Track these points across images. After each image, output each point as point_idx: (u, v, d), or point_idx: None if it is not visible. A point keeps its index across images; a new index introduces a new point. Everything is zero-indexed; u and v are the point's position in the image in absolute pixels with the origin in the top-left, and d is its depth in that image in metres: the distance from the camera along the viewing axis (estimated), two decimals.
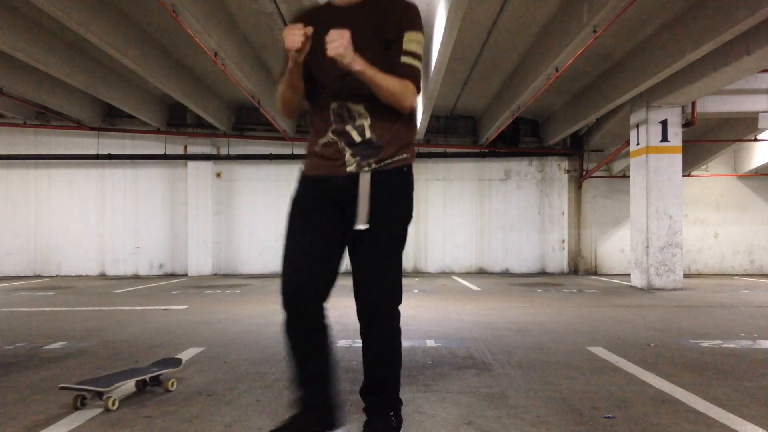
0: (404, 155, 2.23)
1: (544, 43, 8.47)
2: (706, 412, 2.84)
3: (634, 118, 10.05)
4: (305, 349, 2.27)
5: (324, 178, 2.20)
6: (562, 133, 12.54)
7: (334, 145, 2.18)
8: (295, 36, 1.99)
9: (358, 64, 1.96)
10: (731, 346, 4.60)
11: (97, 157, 13.38)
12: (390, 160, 2.18)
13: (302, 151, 13.83)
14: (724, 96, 9.78)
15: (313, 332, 2.27)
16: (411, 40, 2.13)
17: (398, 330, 2.54)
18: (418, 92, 2.20)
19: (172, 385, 3.28)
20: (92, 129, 13.22)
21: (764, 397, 3.13)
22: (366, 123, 2.15)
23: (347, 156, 2.15)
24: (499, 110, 11.55)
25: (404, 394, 3.19)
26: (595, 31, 6.84)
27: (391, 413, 2.40)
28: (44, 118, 13.15)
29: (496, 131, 12.31)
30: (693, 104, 9.58)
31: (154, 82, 9.38)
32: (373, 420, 2.36)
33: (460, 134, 14.09)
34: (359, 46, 1.98)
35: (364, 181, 2.12)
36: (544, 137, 13.80)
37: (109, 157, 13.38)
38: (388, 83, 2.04)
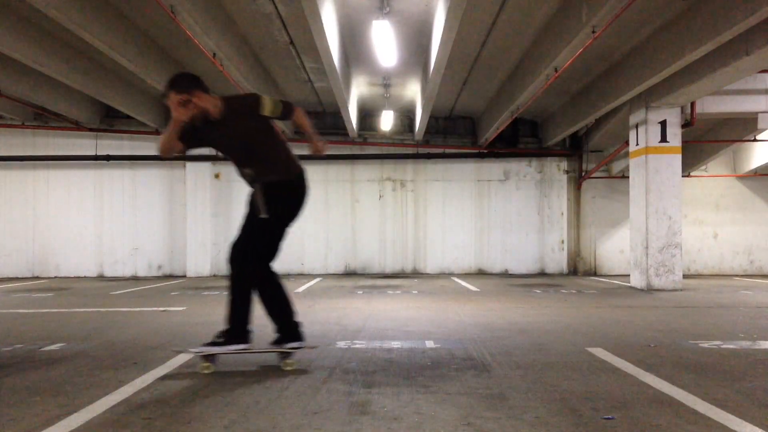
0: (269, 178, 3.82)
1: (543, 44, 8.47)
2: (705, 413, 2.84)
3: (633, 119, 10.05)
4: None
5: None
6: (562, 133, 12.54)
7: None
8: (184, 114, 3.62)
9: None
10: (731, 346, 4.60)
11: (96, 158, 13.37)
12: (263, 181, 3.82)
13: (300, 152, 13.84)
14: (723, 96, 9.77)
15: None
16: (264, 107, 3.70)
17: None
18: (285, 107, 3.80)
19: None
20: (90, 130, 13.20)
21: (764, 398, 3.13)
22: (258, 171, 3.84)
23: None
24: (498, 111, 11.54)
25: (404, 394, 3.18)
26: (594, 32, 6.83)
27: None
28: (42, 119, 13.13)
29: (495, 132, 12.31)
30: (692, 105, 9.57)
31: (152, 82, 9.36)
32: None
33: (459, 135, 14.09)
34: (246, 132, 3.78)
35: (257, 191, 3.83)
36: (544, 138, 13.80)
37: (108, 158, 13.37)
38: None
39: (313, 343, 4.78)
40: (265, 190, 3.80)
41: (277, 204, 3.81)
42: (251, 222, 3.85)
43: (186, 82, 3.68)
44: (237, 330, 3.81)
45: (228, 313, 3.83)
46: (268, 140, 3.84)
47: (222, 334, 3.82)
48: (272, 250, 3.89)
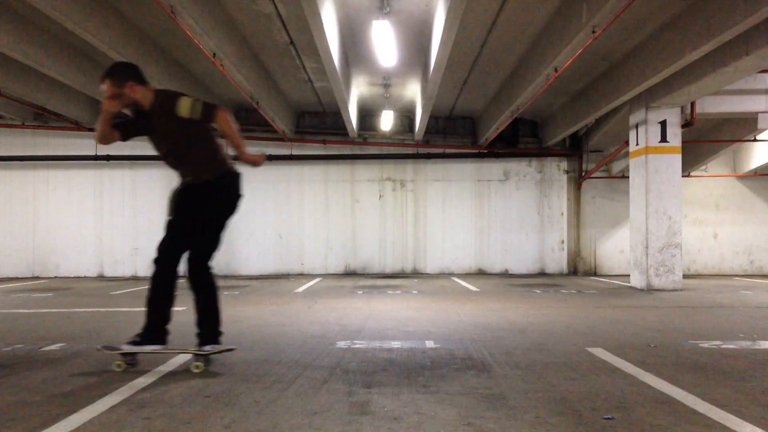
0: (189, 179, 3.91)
1: (543, 44, 8.47)
2: (705, 413, 2.84)
3: (633, 119, 10.05)
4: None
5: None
6: (562, 133, 12.54)
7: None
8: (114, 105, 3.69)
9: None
10: (731, 346, 4.60)
11: (96, 158, 13.36)
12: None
13: (301, 152, 13.91)
14: (723, 96, 9.77)
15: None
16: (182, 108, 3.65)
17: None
18: (206, 109, 3.67)
19: None
20: (90, 130, 13.17)
21: (764, 398, 3.13)
22: (181, 171, 3.96)
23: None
24: (498, 111, 11.54)
25: (404, 394, 3.18)
26: (594, 32, 6.83)
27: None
28: (42, 119, 13.13)
29: (495, 132, 12.31)
30: (692, 105, 9.57)
31: (152, 83, 9.34)
32: None
33: (459, 135, 14.09)
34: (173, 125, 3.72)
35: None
36: (544, 138, 13.80)
37: (108, 158, 13.36)
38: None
39: (314, 343, 4.77)
40: (179, 192, 3.89)
41: (187, 206, 3.83)
42: (170, 223, 3.88)
43: (121, 73, 3.73)
44: (154, 331, 3.84)
45: (147, 312, 3.84)
46: (188, 141, 3.79)
47: (140, 333, 3.85)
48: (204, 251, 3.87)
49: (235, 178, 3.95)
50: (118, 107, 3.74)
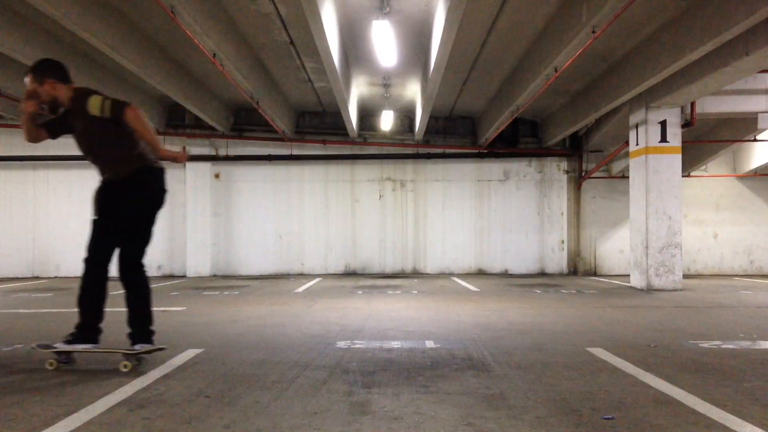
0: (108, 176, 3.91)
1: (543, 44, 8.47)
2: (705, 413, 2.84)
3: (633, 119, 10.05)
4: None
5: None
6: (562, 133, 12.54)
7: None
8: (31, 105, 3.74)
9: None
10: (731, 346, 4.60)
11: None
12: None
13: (301, 152, 13.91)
14: (723, 96, 9.77)
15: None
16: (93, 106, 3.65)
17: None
18: (115, 107, 3.65)
19: None
20: None
21: (763, 398, 3.13)
22: (99, 169, 3.93)
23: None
24: (498, 111, 11.54)
25: (404, 394, 3.18)
26: (594, 32, 6.83)
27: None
28: None
29: (495, 132, 12.31)
30: (692, 105, 9.57)
31: (152, 83, 9.36)
32: None
33: (459, 135, 14.09)
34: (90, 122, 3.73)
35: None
36: (544, 138, 13.80)
37: None
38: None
39: (314, 343, 4.77)
40: (99, 190, 3.91)
41: (107, 205, 3.85)
42: (94, 222, 3.91)
43: (42, 70, 3.77)
44: (86, 330, 3.85)
45: (78, 311, 3.86)
46: (100, 139, 3.81)
47: (72, 332, 3.86)
48: (132, 249, 3.86)
49: (157, 173, 3.91)
50: (34, 106, 3.74)
